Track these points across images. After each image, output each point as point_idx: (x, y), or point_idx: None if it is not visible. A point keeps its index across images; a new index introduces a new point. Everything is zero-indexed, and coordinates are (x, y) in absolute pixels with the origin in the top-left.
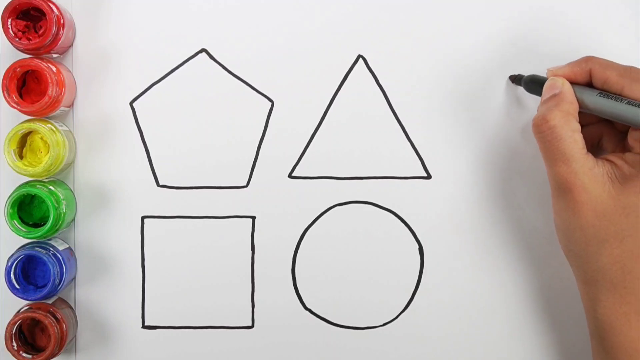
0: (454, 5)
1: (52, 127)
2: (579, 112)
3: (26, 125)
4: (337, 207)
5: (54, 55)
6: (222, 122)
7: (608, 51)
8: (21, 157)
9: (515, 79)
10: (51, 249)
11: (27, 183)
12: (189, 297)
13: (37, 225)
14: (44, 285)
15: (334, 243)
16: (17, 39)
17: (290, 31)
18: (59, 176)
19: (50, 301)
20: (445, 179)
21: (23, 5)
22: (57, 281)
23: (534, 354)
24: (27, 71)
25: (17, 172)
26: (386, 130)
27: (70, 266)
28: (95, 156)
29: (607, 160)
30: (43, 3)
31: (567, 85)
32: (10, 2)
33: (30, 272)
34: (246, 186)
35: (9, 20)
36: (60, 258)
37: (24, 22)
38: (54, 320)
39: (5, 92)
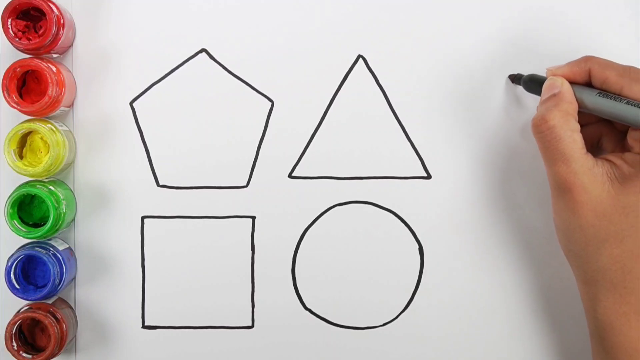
0: (454, 5)
1: (52, 127)
2: (579, 112)
3: (26, 125)
4: (337, 207)
5: (54, 55)
6: (222, 122)
7: (608, 51)
8: (21, 157)
9: (515, 79)
10: (51, 249)
11: (27, 183)
12: (189, 297)
13: (37, 225)
14: (44, 285)
15: (334, 243)
16: (17, 39)
17: (290, 31)
18: (59, 176)
19: (50, 301)
20: (445, 179)
21: (23, 5)
22: (57, 281)
23: (534, 354)
24: (27, 71)
25: (17, 172)
26: (386, 130)
27: (70, 266)
28: (95, 156)
29: (607, 160)
30: (43, 3)
31: (567, 85)
32: (10, 2)
33: (30, 272)
34: (246, 186)
35: (9, 20)
36: (60, 258)
37: (24, 22)
38: (54, 320)
39: (5, 92)
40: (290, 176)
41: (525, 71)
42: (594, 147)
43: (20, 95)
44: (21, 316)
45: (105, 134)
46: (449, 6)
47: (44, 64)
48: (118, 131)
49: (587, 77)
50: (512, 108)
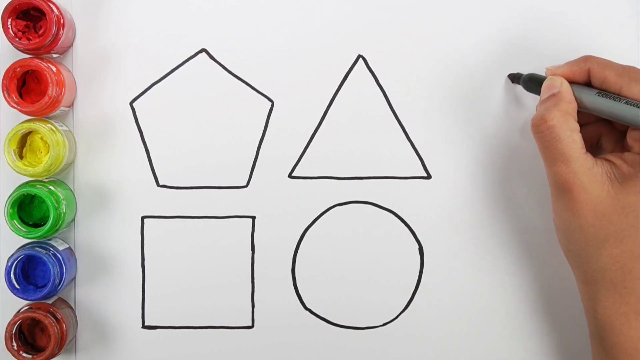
0: (454, 5)
1: (52, 127)
2: (578, 112)
3: (26, 125)
4: (337, 207)
5: (54, 55)
6: (222, 122)
7: (608, 51)
8: (21, 157)
9: (514, 78)
10: (51, 249)
11: (27, 183)
12: (189, 297)
13: (37, 225)
14: (44, 285)
15: (334, 243)
16: (17, 39)
17: (290, 31)
18: (59, 176)
19: (50, 301)
20: (445, 179)
21: (23, 5)
22: (57, 281)
23: (534, 354)
24: (27, 71)
25: (17, 172)
26: (386, 130)
27: (70, 266)
28: (95, 156)
29: (606, 159)
30: (43, 3)
31: (566, 84)
32: (10, 2)
33: (30, 272)
34: (246, 186)
35: (9, 20)
36: (60, 258)
37: (24, 22)
38: (54, 320)
39: (5, 92)
40: (290, 176)
41: (526, 71)
42: (593, 147)
43: (20, 95)
44: (21, 316)
45: (105, 134)
46: (449, 6)
47: (44, 64)
48: (118, 131)
49: (586, 77)
50: (512, 108)
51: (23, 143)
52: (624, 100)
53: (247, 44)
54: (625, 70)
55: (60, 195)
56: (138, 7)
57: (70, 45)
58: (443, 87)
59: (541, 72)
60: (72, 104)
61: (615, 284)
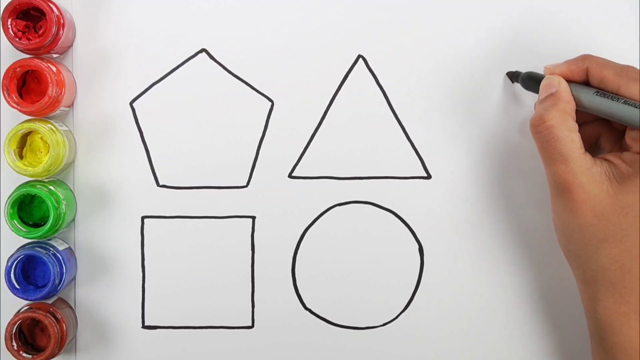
0: (454, 5)
1: (52, 127)
2: (576, 111)
3: (26, 125)
4: (337, 207)
5: (54, 55)
6: (222, 122)
7: (608, 51)
8: (21, 157)
9: (513, 76)
10: (51, 249)
11: (27, 183)
12: (189, 297)
13: (37, 225)
14: (44, 285)
15: (334, 243)
16: (17, 39)
17: (290, 31)
18: (59, 176)
19: (50, 301)
20: (445, 179)
21: (23, 5)
22: (57, 281)
23: (534, 354)
24: (27, 71)
25: (17, 172)
26: (386, 130)
27: (70, 266)
28: (95, 156)
29: (605, 159)
30: (43, 3)
31: (564, 83)
32: (10, 2)
33: (30, 272)
34: (246, 186)
35: (9, 20)
36: (60, 258)
37: (24, 22)
38: (54, 320)
39: (5, 92)
40: (290, 176)
41: (527, 71)
42: (592, 147)
43: (20, 95)
44: (21, 316)
45: (105, 134)
46: (449, 6)
47: (44, 64)
48: (118, 131)
49: (584, 76)
50: (512, 108)
51: (23, 143)
52: (622, 100)
53: (247, 44)
54: (624, 69)
55: (60, 195)
56: (138, 7)
57: (70, 45)
58: (443, 87)
59: (541, 71)
60: (72, 104)
61: (615, 284)
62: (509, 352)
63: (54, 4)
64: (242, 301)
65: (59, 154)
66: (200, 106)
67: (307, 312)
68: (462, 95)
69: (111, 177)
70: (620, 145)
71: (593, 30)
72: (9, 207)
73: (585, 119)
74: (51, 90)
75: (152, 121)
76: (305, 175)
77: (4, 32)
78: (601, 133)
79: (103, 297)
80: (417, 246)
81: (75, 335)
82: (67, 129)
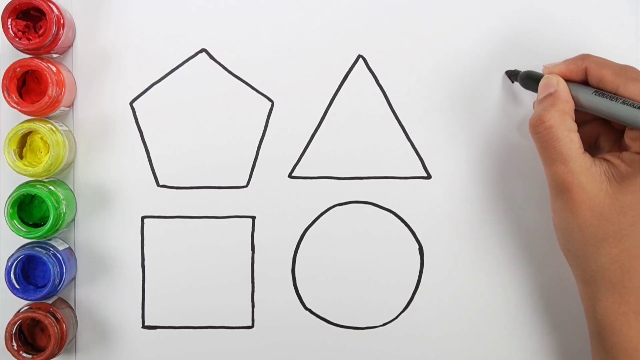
0: (454, 5)
1: (52, 127)
2: (575, 111)
3: (26, 125)
4: (337, 207)
5: (54, 55)
6: (222, 122)
7: (608, 51)
8: (21, 157)
9: (512, 75)
10: (51, 249)
11: (27, 183)
12: (189, 297)
13: (37, 225)
14: (44, 285)
15: (334, 243)
16: (17, 39)
17: (290, 31)
18: (59, 176)
19: (50, 301)
20: (445, 179)
21: (23, 5)
22: (57, 281)
23: (534, 354)
24: (27, 71)
25: (17, 172)
26: (386, 130)
27: (70, 266)
28: (95, 156)
29: (605, 159)
30: (43, 3)
31: (562, 83)
32: (10, 2)
33: (30, 272)
34: (246, 186)
35: (9, 20)
36: (60, 258)
37: (24, 22)
38: (54, 320)
39: (5, 92)
40: (290, 176)
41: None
42: (591, 147)
43: (20, 95)
44: (21, 316)
45: (105, 134)
46: (448, 6)
47: (44, 64)
48: (118, 131)
49: (583, 76)
50: (512, 108)
51: (23, 143)
52: (621, 100)
53: (247, 44)
54: (623, 69)
55: (60, 195)
56: (138, 7)
57: (70, 45)
58: (443, 87)
59: (541, 71)
60: (72, 104)
61: (615, 284)
62: (509, 352)
63: (54, 4)
64: (242, 301)
65: (59, 154)
66: (200, 106)
67: (307, 312)
68: (462, 95)
69: (111, 177)
70: (619, 145)
71: (593, 30)
72: (9, 207)
73: (584, 118)
74: (51, 90)
75: (152, 121)
76: (305, 175)
77: (4, 32)
78: (600, 133)
79: (103, 297)
80: (417, 246)
81: (75, 335)
82: (67, 129)
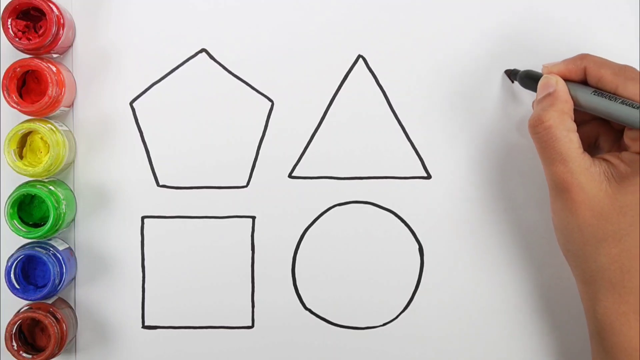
0: (454, 5)
1: (52, 127)
2: (574, 110)
3: (26, 125)
4: (337, 207)
5: (54, 55)
6: (222, 122)
7: (607, 51)
8: (21, 157)
9: (511, 74)
10: (51, 249)
11: (27, 183)
12: (189, 297)
13: (37, 225)
14: (44, 285)
15: (334, 243)
16: (17, 39)
17: (290, 31)
18: (59, 176)
19: (50, 301)
20: (445, 179)
21: (23, 5)
22: (57, 281)
23: (534, 354)
24: (27, 71)
25: (17, 172)
26: (386, 130)
27: (70, 266)
28: (95, 156)
29: (604, 159)
30: (43, 3)
31: (561, 83)
32: (10, 2)
33: (30, 272)
34: (246, 186)
35: (9, 20)
36: (60, 258)
37: (24, 22)
38: (54, 320)
39: (5, 92)
40: (290, 176)
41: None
42: (591, 147)
43: (20, 95)
44: (21, 316)
45: (105, 134)
46: (448, 6)
47: (44, 64)
48: (118, 131)
49: (582, 75)
50: (512, 108)
51: (23, 143)
52: (620, 100)
53: (247, 44)
54: (622, 69)
55: (60, 195)
56: (138, 7)
57: (70, 45)
58: (443, 87)
59: (541, 71)
60: (72, 104)
61: (614, 284)
62: (509, 352)
63: (54, 4)
64: (242, 301)
65: (59, 154)
66: (200, 106)
67: (307, 312)
68: (462, 95)
69: (111, 177)
70: (618, 145)
71: (593, 30)
72: (9, 207)
73: (583, 118)
74: (51, 90)
75: (152, 121)
76: (305, 175)
77: (4, 32)
78: (600, 133)
79: (103, 297)
80: (417, 246)
81: (75, 335)
82: (67, 129)
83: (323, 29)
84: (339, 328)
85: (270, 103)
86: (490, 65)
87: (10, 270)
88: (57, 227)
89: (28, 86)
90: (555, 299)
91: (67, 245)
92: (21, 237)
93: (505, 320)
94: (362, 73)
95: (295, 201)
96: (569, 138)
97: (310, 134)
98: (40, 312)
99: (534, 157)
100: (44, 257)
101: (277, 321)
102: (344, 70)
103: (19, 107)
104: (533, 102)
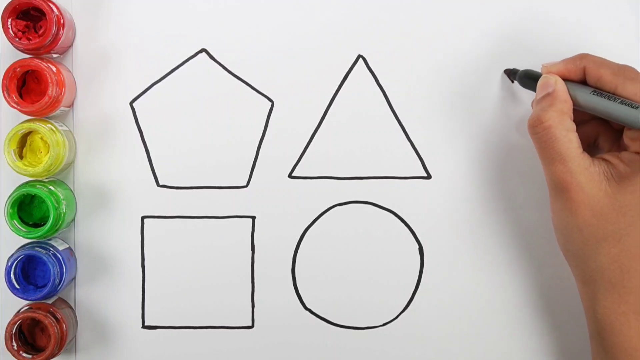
0: (454, 5)
1: (52, 127)
2: (574, 110)
3: (26, 125)
4: (337, 207)
5: (54, 55)
6: (222, 122)
7: (607, 50)
8: (21, 157)
9: (511, 74)
10: (51, 249)
11: (27, 183)
12: (189, 297)
13: (37, 225)
14: (44, 285)
15: (334, 243)
16: (17, 39)
17: (290, 31)
18: (59, 176)
19: (50, 301)
20: (445, 179)
21: (23, 5)
22: (57, 281)
23: (534, 354)
24: (27, 71)
25: (17, 172)
26: (386, 130)
27: (70, 266)
28: (95, 156)
29: (603, 159)
30: (43, 3)
31: (561, 83)
32: (10, 2)
33: (30, 272)
34: (246, 186)
35: (9, 20)
36: (60, 258)
37: (24, 22)
38: (54, 320)
39: (5, 92)
40: (290, 176)
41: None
42: (590, 147)
43: (20, 95)
44: (21, 316)
45: (105, 134)
46: (448, 6)
47: (44, 64)
48: (118, 131)
49: (582, 75)
50: (512, 108)
51: (23, 143)
52: (619, 100)
53: (247, 44)
54: (621, 69)
55: (60, 195)
56: (138, 7)
57: (70, 45)
58: (443, 87)
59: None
60: (72, 104)
61: (614, 284)
62: (509, 352)
63: (54, 4)
64: (242, 301)
65: (59, 154)
66: (200, 106)
67: (307, 312)
68: (462, 95)
69: (111, 177)
70: (618, 145)
71: (593, 30)
72: (9, 207)
73: (583, 118)
74: (51, 90)
75: (152, 121)
76: (305, 175)
77: (4, 32)
78: (599, 133)
79: (103, 297)
80: (417, 246)
81: (75, 335)
82: (67, 129)
83: (323, 29)
84: (339, 328)
85: (270, 103)
86: (490, 65)
87: (10, 270)
88: (57, 227)
89: (28, 86)
90: (555, 299)
91: (67, 245)
92: (21, 237)
93: (505, 320)
94: (362, 73)
95: (295, 201)
96: (568, 138)
97: (310, 134)
98: (40, 312)
99: (534, 157)
100: (44, 257)
101: (277, 321)
102: (344, 70)
103: (19, 107)
104: (532, 101)
